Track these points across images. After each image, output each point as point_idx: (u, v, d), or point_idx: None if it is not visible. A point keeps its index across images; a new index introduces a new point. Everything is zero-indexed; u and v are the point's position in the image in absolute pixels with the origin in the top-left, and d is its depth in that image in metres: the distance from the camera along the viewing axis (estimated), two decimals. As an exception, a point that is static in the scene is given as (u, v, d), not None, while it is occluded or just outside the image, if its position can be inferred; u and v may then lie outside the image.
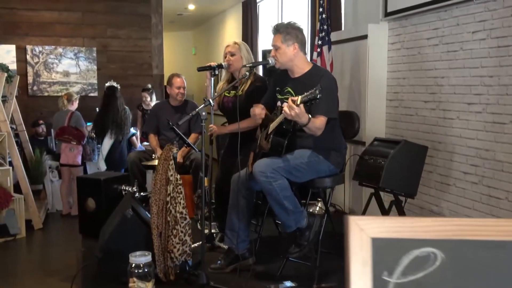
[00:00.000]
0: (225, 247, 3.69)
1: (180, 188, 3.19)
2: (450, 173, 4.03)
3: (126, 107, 5.99)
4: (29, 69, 7.55)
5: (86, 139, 6.19)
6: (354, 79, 4.92)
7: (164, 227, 3.18)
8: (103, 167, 5.92)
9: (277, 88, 3.29)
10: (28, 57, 7.53)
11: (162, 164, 3.18)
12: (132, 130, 6.36)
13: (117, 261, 3.17)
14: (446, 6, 4.03)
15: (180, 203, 3.17)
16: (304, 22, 6.67)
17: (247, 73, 3.06)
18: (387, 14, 4.70)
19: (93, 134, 6.15)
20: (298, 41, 3.15)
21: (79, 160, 6.23)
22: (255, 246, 3.57)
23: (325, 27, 4.78)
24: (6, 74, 5.64)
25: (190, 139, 4.85)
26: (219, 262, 3.43)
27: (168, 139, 4.89)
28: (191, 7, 9.36)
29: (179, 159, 4.66)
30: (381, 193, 3.93)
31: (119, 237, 3.19)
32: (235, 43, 3.89)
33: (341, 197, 4.99)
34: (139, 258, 2.91)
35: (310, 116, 2.74)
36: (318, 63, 4.75)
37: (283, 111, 2.73)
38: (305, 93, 2.65)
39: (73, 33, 7.71)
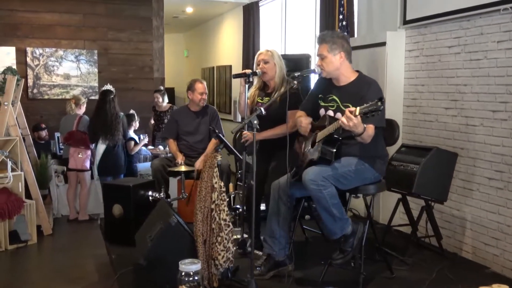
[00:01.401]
0: (260, 253, 3.71)
1: (223, 195, 3.20)
2: (473, 179, 4.13)
3: (121, 113, 5.92)
4: (29, 72, 7.44)
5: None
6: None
7: (208, 234, 3.19)
8: (95, 173, 5.86)
9: (320, 96, 3.33)
10: (28, 59, 7.41)
11: (207, 171, 3.19)
12: (131, 133, 6.30)
13: (160, 269, 3.17)
14: (468, 16, 4.13)
15: (224, 210, 3.19)
16: (311, 26, 6.73)
17: (296, 82, 3.09)
18: (405, 22, 4.79)
19: None
20: (344, 50, 3.20)
21: (87, 164, 6.17)
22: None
23: (345, 33, 4.84)
24: (16, 77, 5.55)
25: (211, 145, 4.87)
26: (258, 268, 3.45)
27: (188, 145, 4.90)
28: (189, 10, 9.34)
29: (201, 167, 4.65)
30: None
31: (163, 245, 3.18)
32: (268, 50, 3.92)
33: (358, 202, 5.06)
34: (190, 266, 2.91)
35: (365, 126, 2.79)
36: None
37: (340, 122, 2.77)
38: (365, 105, 2.70)
39: (74, 36, 7.62)
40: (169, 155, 6.85)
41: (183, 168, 4.23)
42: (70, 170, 6.16)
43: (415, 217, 4.18)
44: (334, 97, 3.24)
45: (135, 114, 6.46)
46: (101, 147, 5.69)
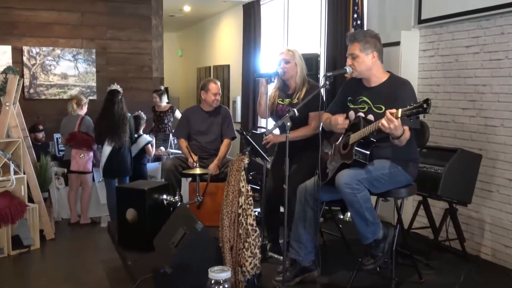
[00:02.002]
0: (280, 257, 3.62)
1: (250, 200, 3.10)
2: (492, 180, 4.08)
3: (129, 114, 5.78)
4: (26, 71, 7.23)
5: (96, 145, 5.98)
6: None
7: (235, 240, 3.09)
8: (100, 175, 5.71)
9: (349, 98, 3.24)
10: (24, 58, 7.21)
11: (234, 175, 3.08)
12: (147, 137, 6.17)
13: (186, 276, 3.06)
14: (488, 16, 4.08)
15: (251, 215, 3.08)
16: (316, 25, 6.65)
17: (327, 83, 2.99)
18: (420, 21, 4.73)
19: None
20: (377, 49, 3.13)
21: (90, 166, 6.03)
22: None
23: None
24: (18, 77, 5.38)
25: (223, 147, 4.76)
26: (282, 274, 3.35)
27: (200, 145, 4.79)
28: (187, 8, 9.21)
29: (215, 171, 4.55)
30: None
31: (189, 252, 3.07)
32: (289, 50, 3.83)
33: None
34: (220, 274, 2.79)
35: (403, 128, 2.71)
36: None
37: (380, 124, 2.68)
38: (408, 106, 2.62)
39: (71, 34, 7.44)
40: (170, 156, 6.75)
41: (198, 171, 4.11)
42: (72, 172, 6.00)
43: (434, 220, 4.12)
44: (365, 98, 3.15)
45: (143, 115, 6.31)
46: (107, 149, 5.54)
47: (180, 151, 7.12)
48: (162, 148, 6.79)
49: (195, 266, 3.06)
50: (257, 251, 3.12)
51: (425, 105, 2.54)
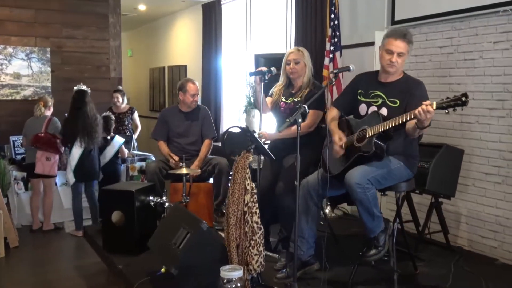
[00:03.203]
0: (274, 255, 3.61)
1: (255, 197, 3.08)
2: (468, 174, 4.27)
3: (98, 114, 5.60)
4: (-25, 71, 6.82)
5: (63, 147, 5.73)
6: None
7: (241, 238, 3.06)
8: (71, 179, 5.48)
9: (360, 91, 3.29)
10: (-27, 57, 6.80)
11: (240, 173, 3.05)
12: (120, 139, 5.97)
13: (191, 276, 3.00)
14: (462, 17, 4.28)
15: (256, 212, 3.06)
16: (281, 24, 6.70)
17: (333, 80, 3.03)
18: (394, 22, 4.88)
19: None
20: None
21: (55, 169, 5.76)
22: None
23: (337, 33, 4.86)
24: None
25: (204, 147, 4.70)
26: (284, 271, 3.36)
27: (180, 147, 4.70)
28: (142, 7, 9.01)
29: (196, 169, 4.47)
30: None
31: (194, 252, 3.00)
32: (299, 49, 3.87)
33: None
34: (232, 273, 2.77)
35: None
36: (331, 69, 4.81)
37: (416, 112, 2.74)
38: (444, 99, 2.70)
39: (24, 32, 7.09)
40: (135, 157, 6.58)
41: (184, 171, 4.03)
42: (35, 176, 5.71)
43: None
44: (379, 92, 3.22)
45: (112, 116, 6.10)
46: (77, 151, 5.31)
47: (147, 153, 7.00)
48: (126, 150, 6.59)
49: (201, 266, 3.01)
50: (261, 248, 3.10)
51: (463, 98, 2.63)
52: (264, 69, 3.67)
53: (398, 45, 3.20)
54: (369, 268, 3.37)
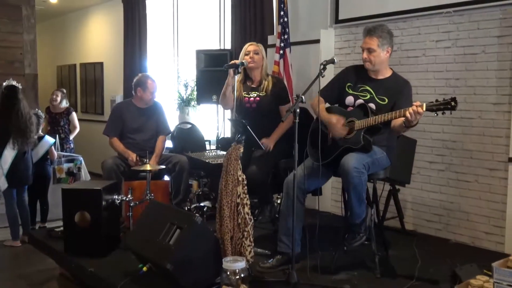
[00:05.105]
0: (269, 252, 3.60)
1: (245, 189, 3.08)
2: (414, 163, 4.59)
3: (32, 112, 5.19)
4: None
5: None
6: (306, 79, 5.18)
7: (235, 230, 3.04)
8: (3, 185, 5.00)
9: (348, 84, 3.39)
10: None
11: (233, 164, 3.03)
12: (50, 139, 5.54)
13: (187, 271, 2.92)
14: (405, 18, 4.60)
15: (247, 204, 3.06)
16: (214, 21, 6.69)
17: (323, 71, 3.11)
18: (337, 21, 5.11)
19: None
20: (391, 45, 3.33)
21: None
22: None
23: (287, 30, 4.97)
24: None
25: (159, 142, 4.58)
26: (270, 261, 3.37)
27: (136, 143, 4.52)
28: (54, 0, 8.48)
29: (155, 165, 4.34)
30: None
31: (188, 246, 2.92)
32: (257, 44, 3.99)
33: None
34: (235, 264, 2.75)
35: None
36: (281, 65, 4.92)
37: (407, 114, 2.88)
38: (434, 102, 2.87)
39: None
40: (62, 158, 6.19)
41: (149, 167, 3.89)
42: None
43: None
44: (368, 88, 3.33)
45: (41, 114, 5.65)
46: (9, 154, 4.82)
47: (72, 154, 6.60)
48: (55, 152, 6.17)
49: (196, 260, 2.95)
50: (252, 239, 3.11)
51: (452, 103, 2.81)
52: (237, 61, 3.68)
53: (366, 42, 3.37)
54: (349, 253, 3.49)
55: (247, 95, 3.91)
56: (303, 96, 2.95)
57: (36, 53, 7.38)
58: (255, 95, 3.87)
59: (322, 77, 3.12)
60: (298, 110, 2.90)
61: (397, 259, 3.59)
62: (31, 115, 4.96)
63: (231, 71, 3.67)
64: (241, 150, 3.07)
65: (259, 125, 3.30)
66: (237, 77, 3.82)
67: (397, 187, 4.29)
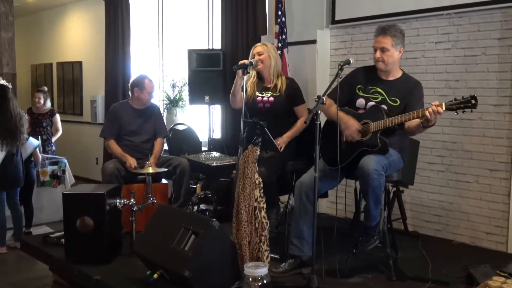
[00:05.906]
0: (278, 256, 3.53)
1: (262, 192, 3.01)
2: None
3: (22, 112, 5.01)
4: None
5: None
6: (302, 80, 5.14)
7: (252, 234, 2.96)
8: None
9: (359, 86, 3.34)
10: None
11: (251, 167, 2.95)
12: (34, 141, 5.32)
13: (204, 277, 2.83)
14: (404, 19, 4.60)
15: (263, 207, 3.00)
16: (203, 21, 6.57)
17: (340, 72, 3.06)
18: (334, 22, 5.09)
19: None
20: (403, 45, 3.30)
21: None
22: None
23: (285, 30, 4.91)
24: None
25: (157, 145, 4.46)
26: (282, 265, 3.30)
27: (133, 145, 4.39)
28: (31, -3, 8.21)
29: (154, 167, 4.22)
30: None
31: (206, 251, 2.83)
32: (264, 44, 3.95)
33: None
34: (256, 270, 2.67)
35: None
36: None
37: (427, 113, 2.85)
38: (453, 101, 2.85)
39: None
40: (46, 161, 5.97)
41: (150, 170, 3.77)
42: None
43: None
44: (379, 89, 3.29)
45: (24, 114, 5.42)
46: None
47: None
48: (39, 154, 5.95)
49: (213, 266, 2.86)
50: (268, 243, 3.05)
51: (473, 101, 2.79)
52: (247, 62, 3.60)
53: (379, 41, 3.32)
54: (358, 256, 3.46)
55: (260, 95, 3.86)
56: (324, 98, 2.90)
57: (14, 52, 7.08)
58: (269, 95, 3.83)
59: (340, 78, 3.08)
60: (319, 112, 2.84)
61: (407, 260, 3.58)
62: (22, 116, 4.78)
63: (239, 72, 3.59)
64: (258, 152, 2.99)
65: (271, 125, 3.23)
66: (246, 77, 3.73)
67: (401, 188, 4.28)
